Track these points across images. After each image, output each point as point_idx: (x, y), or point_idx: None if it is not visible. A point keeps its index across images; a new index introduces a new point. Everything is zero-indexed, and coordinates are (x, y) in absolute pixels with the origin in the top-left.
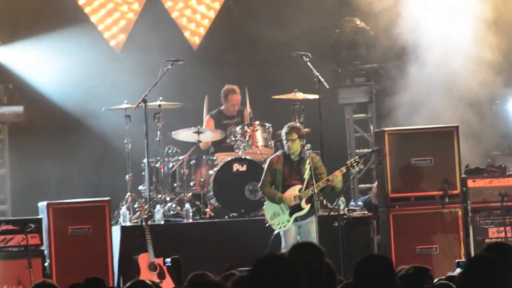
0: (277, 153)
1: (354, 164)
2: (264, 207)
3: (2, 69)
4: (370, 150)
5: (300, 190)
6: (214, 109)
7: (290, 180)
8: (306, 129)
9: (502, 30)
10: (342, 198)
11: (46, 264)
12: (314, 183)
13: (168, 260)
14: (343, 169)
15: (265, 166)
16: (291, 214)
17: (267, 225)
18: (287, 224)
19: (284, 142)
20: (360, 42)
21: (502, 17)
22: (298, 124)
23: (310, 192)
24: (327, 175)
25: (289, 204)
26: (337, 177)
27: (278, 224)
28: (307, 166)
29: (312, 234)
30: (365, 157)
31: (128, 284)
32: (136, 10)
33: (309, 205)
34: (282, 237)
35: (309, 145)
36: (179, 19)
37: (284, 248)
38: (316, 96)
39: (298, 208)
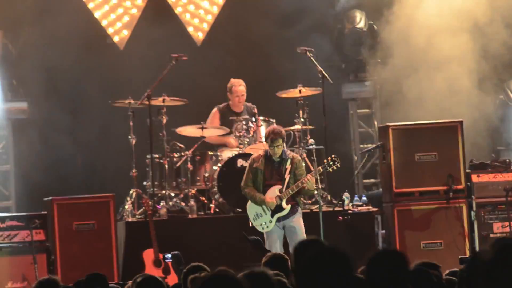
0: (259, 152)
1: (330, 163)
2: (247, 207)
3: (6, 65)
4: (374, 145)
5: (280, 191)
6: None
7: (271, 180)
8: (310, 126)
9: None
10: (347, 193)
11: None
12: (316, 180)
13: (168, 255)
14: (320, 168)
15: (247, 164)
16: (273, 215)
17: (251, 225)
18: (269, 225)
19: (269, 147)
20: (364, 36)
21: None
22: (280, 128)
23: (290, 192)
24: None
25: (271, 208)
26: (310, 180)
27: (261, 225)
28: (288, 166)
29: (299, 233)
30: (369, 152)
31: (138, 279)
32: (140, 5)
33: (289, 206)
34: (265, 238)
35: (312, 140)
36: (182, 15)
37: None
38: (320, 91)
39: (279, 208)
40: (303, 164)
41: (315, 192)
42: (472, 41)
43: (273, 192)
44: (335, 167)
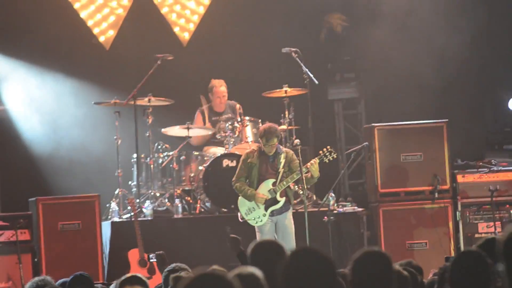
0: (252, 148)
1: (327, 154)
2: (238, 202)
3: None
4: (360, 145)
5: (274, 184)
6: (209, 106)
7: (265, 175)
8: (296, 126)
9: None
10: (332, 194)
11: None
12: (302, 174)
13: (152, 255)
14: (317, 159)
15: (240, 160)
16: (266, 208)
17: (242, 220)
18: (263, 218)
19: (263, 144)
20: (349, 37)
21: None
22: (275, 127)
23: (284, 183)
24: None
25: (260, 203)
26: (313, 165)
27: (254, 219)
28: (282, 160)
29: (288, 230)
30: (355, 153)
31: (122, 278)
32: (126, 5)
33: (284, 198)
34: (257, 232)
35: (298, 140)
36: (168, 15)
37: None
38: (306, 91)
39: (273, 201)
40: (297, 158)
41: (316, 180)
42: (464, 39)
43: (266, 185)
44: (331, 158)
